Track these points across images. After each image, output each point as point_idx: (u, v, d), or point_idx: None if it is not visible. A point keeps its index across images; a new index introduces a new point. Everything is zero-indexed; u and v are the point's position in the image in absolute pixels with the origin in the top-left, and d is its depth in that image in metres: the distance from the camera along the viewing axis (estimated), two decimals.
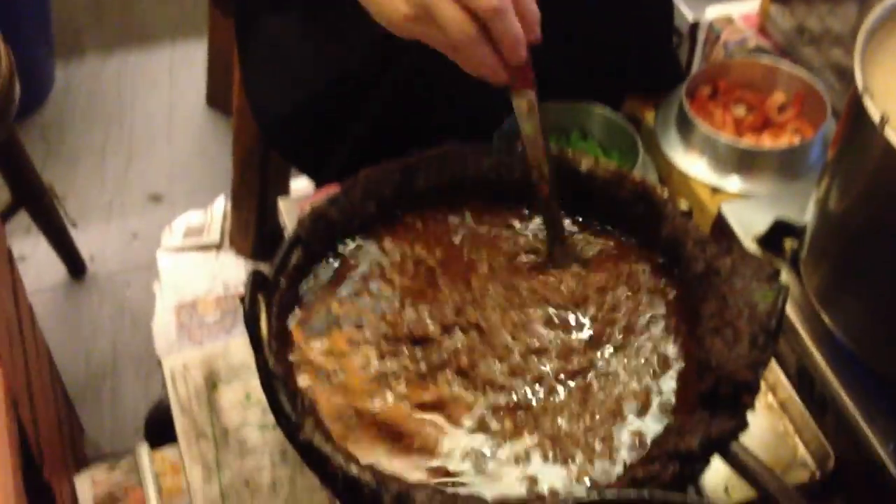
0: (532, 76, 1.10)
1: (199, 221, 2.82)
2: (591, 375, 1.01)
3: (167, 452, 1.50)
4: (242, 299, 0.97)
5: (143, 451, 1.43)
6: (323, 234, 1.09)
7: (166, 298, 2.60)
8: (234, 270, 2.62)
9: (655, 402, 0.98)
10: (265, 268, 1.03)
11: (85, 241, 2.87)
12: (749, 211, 1.34)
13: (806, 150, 1.48)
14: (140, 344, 2.63)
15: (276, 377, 0.94)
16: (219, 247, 2.71)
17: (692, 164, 1.51)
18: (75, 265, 2.84)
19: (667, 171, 1.54)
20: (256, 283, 0.98)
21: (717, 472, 1.09)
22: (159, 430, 1.79)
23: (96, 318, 2.74)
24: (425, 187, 1.15)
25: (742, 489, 1.10)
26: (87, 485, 1.76)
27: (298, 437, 0.91)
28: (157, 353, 2.49)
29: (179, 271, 2.67)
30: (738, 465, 1.00)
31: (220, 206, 2.79)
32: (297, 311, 1.06)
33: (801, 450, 1.19)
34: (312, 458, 0.91)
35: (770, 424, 1.22)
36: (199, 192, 2.94)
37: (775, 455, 1.19)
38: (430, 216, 1.15)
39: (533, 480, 0.93)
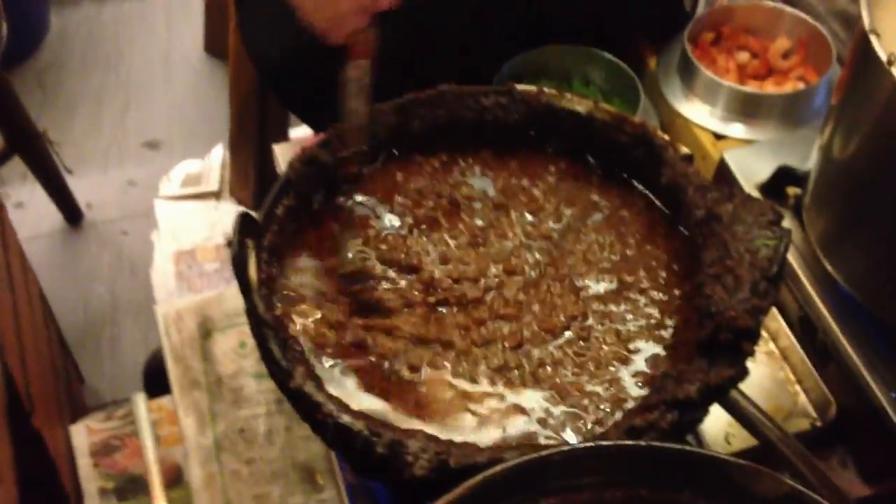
0: (371, 45, 1.10)
1: (197, 169, 2.79)
2: (589, 321, 1.00)
3: (165, 401, 1.50)
4: (230, 243, 0.95)
5: (140, 399, 1.41)
6: (315, 177, 1.07)
7: (164, 247, 2.58)
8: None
9: (653, 349, 0.98)
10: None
11: (82, 188, 2.83)
12: (752, 158, 1.32)
13: (810, 95, 1.45)
14: (139, 292, 2.60)
15: (266, 323, 0.92)
16: (218, 195, 2.68)
17: (694, 110, 1.48)
18: (72, 212, 2.80)
19: (669, 118, 1.52)
20: (244, 225, 0.96)
21: (717, 421, 1.13)
22: (158, 379, 1.75)
23: (94, 266, 2.71)
24: (421, 129, 1.13)
25: (743, 438, 1.09)
26: (82, 434, 1.75)
27: (289, 385, 0.89)
28: (156, 301, 2.46)
29: (178, 220, 2.64)
30: (739, 413, 1.00)
31: (219, 154, 2.76)
32: (290, 256, 1.04)
33: (802, 398, 1.19)
34: (303, 406, 0.89)
35: (771, 373, 1.21)
36: (196, 140, 2.89)
37: (776, 403, 1.18)
38: (428, 158, 1.14)
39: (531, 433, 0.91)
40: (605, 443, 0.77)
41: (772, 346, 1.23)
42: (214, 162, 2.75)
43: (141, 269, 2.60)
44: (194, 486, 1.23)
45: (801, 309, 1.18)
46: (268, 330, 0.92)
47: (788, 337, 1.21)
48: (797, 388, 1.20)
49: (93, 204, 2.86)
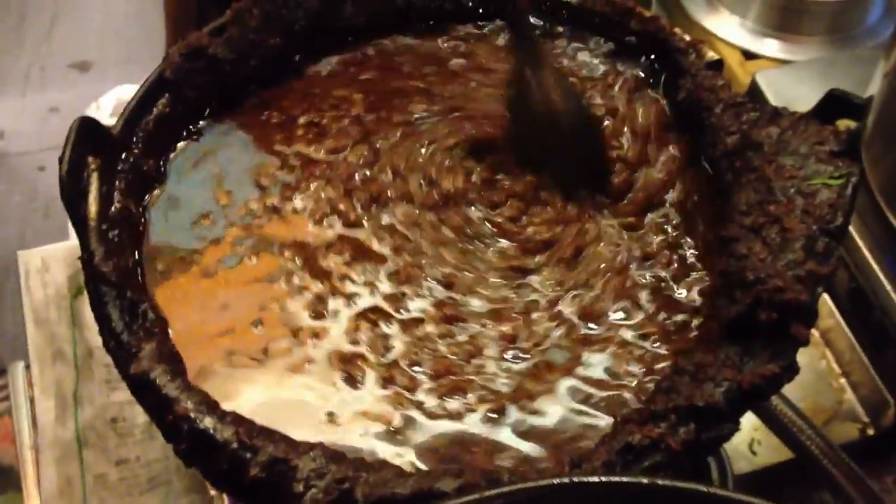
0: None
1: (132, 96, 2.62)
2: (570, 293, 0.80)
3: None
4: (61, 159, 0.75)
5: (19, 371, 1.23)
6: (203, 78, 0.88)
7: None
8: None
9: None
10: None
11: None
12: (790, 82, 1.21)
13: (865, 5, 1.37)
14: (54, 236, 2.42)
15: (104, 277, 0.72)
16: None
17: (720, 22, 1.38)
18: None
19: (687, 31, 1.38)
20: (84, 136, 0.76)
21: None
22: None
23: (3, 203, 2.58)
24: (353, 14, 0.95)
25: (773, 447, 0.99)
26: None
27: (128, 369, 0.68)
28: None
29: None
30: (768, 415, 0.92)
31: None
32: (158, 188, 0.84)
33: (850, 396, 1.08)
34: (148, 401, 0.69)
35: (809, 362, 1.08)
36: (133, 62, 2.78)
37: (815, 402, 1.07)
38: (360, 55, 0.96)
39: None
40: (585, 479, 0.55)
41: None
42: None
43: (57, 212, 2.42)
44: (45, 493, 1.06)
45: (853, 279, 1.08)
46: (105, 287, 0.71)
47: (833, 315, 1.10)
48: (843, 382, 1.09)
49: (6, 132, 2.75)
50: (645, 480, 0.55)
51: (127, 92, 2.62)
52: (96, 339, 0.75)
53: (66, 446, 1.06)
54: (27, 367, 1.20)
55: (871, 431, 1.05)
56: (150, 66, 2.48)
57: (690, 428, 0.66)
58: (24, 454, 1.14)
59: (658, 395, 0.69)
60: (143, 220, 0.81)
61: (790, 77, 1.21)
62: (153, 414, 0.68)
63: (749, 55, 1.33)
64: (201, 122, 0.89)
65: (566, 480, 0.57)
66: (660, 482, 0.55)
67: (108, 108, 2.64)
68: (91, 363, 1.11)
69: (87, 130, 0.77)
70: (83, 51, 2.95)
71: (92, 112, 2.56)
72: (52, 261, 1.19)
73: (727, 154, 0.82)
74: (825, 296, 1.08)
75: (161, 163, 0.85)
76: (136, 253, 0.78)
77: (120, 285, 0.71)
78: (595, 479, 0.56)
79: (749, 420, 0.94)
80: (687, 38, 0.91)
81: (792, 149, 0.78)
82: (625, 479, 0.56)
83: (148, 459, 1.05)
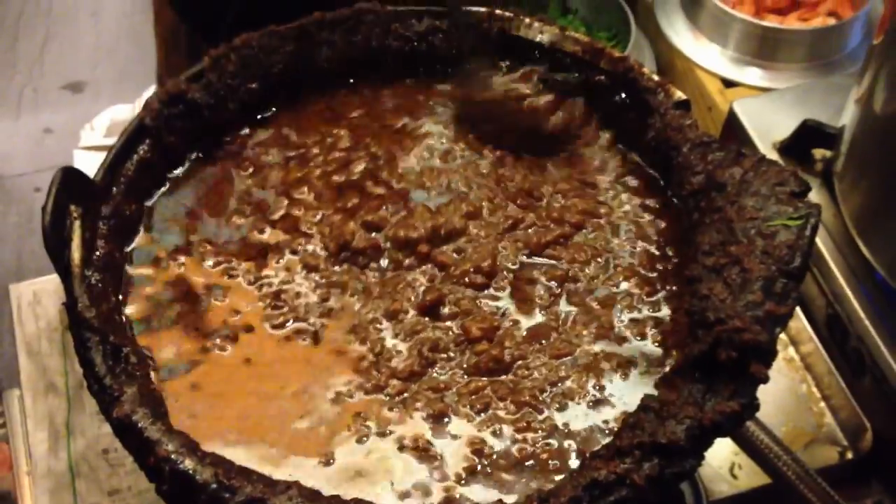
0: None
1: (125, 116, 2.61)
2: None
3: None
4: (44, 209, 0.77)
5: (14, 398, 1.23)
6: (183, 122, 0.90)
7: None
8: None
9: (631, 371, 0.80)
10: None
11: None
12: (769, 109, 1.22)
13: (843, 32, 1.37)
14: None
15: (87, 323, 0.74)
16: None
17: (700, 50, 1.40)
18: None
19: (668, 59, 1.44)
20: (66, 184, 0.77)
21: (720, 447, 1.03)
22: None
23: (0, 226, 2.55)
24: (329, 60, 0.97)
25: (753, 471, 1.01)
26: None
27: (112, 412, 0.71)
28: None
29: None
30: (745, 441, 0.94)
31: None
32: (143, 233, 0.87)
33: (829, 420, 1.10)
34: (131, 442, 0.71)
35: (790, 386, 1.12)
36: (126, 82, 2.71)
37: (795, 426, 1.09)
38: (335, 100, 0.98)
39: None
40: None
41: (791, 351, 1.14)
42: None
43: None
44: None
45: (830, 306, 1.10)
46: (89, 333, 0.73)
47: (812, 340, 1.12)
48: (822, 406, 1.11)
49: (1, 154, 2.70)
50: None
51: (120, 111, 2.62)
52: None
53: (59, 477, 1.06)
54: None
55: (850, 455, 1.06)
56: (143, 85, 2.49)
57: (654, 463, 0.69)
58: (21, 480, 1.15)
59: (624, 432, 0.72)
60: (126, 263, 0.83)
61: (769, 105, 1.22)
62: (136, 456, 0.71)
63: (729, 83, 1.34)
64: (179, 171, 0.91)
65: None
66: None
67: (101, 128, 2.65)
68: (82, 394, 1.12)
69: (68, 180, 0.78)
70: (76, 71, 2.91)
71: (86, 133, 2.57)
72: (43, 294, 1.20)
73: (693, 193, 0.84)
74: (804, 321, 1.11)
75: (144, 208, 0.87)
76: (119, 296, 0.81)
77: (103, 331, 0.74)
78: None
79: (730, 444, 0.97)
80: (656, 77, 0.92)
81: (753, 189, 0.79)
82: None
83: (140, 489, 1.06)
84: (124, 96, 2.60)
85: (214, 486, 0.67)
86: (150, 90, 2.56)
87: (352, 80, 0.99)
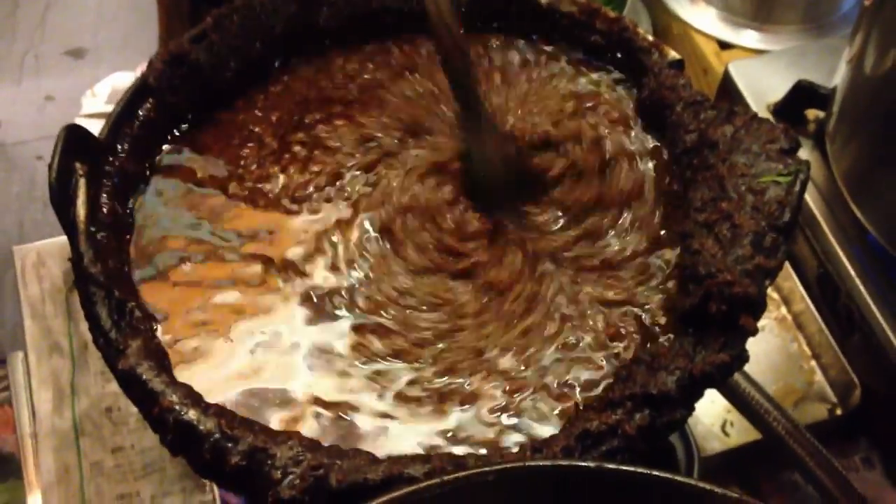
0: None
1: (127, 83, 2.59)
2: (536, 287, 0.82)
3: None
4: (50, 167, 0.77)
5: (18, 361, 1.23)
6: (185, 83, 0.90)
7: None
8: None
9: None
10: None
11: None
12: (763, 71, 1.22)
13: None
14: (52, 226, 2.41)
15: (92, 278, 0.75)
16: None
17: (696, 12, 1.39)
18: None
19: (664, 22, 1.43)
20: (71, 142, 0.78)
21: (712, 405, 1.06)
22: None
23: (2, 194, 2.54)
24: (331, 20, 0.97)
25: (745, 428, 1.02)
26: None
27: (117, 364, 0.71)
28: None
29: None
30: (737, 397, 0.95)
31: None
32: (145, 188, 0.87)
33: (819, 378, 1.10)
34: (136, 394, 0.72)
35: (781, 344, 1.12)
36: (128, 48, 2.74)
37: (786, 384, 1.10)
38: (337, 61, 0.97)
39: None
40: (540, 463, 0.59)
41: (783, 310, 1.14)
42: None
43: None
44: (44, 481, 1.07)
45: (821, 265, 1.10)
46: (94, 287, 0.74)
47: (804, 299, 1.12)
48: (813, 364, 1.11)
49: (3, 122, 2.69)
50: (592, 465, 0.59)
51: (122, 79, 2.62)
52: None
53: (63, 435, 1.07)
54: (26, 354, 1.23)
55: (839, 411, 1.07)
56: (146, 52, 2.48)
57: (645, 414, 0.69)
58: (25, 442, 1.15)
59: (616, 384, 0.73)
60: (130, 220, 0.84)
61: (762, 67, 1.22)
62: (141, 407, 0.71)
63: (724, 45, 1.33)
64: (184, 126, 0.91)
65: (524, 464, 0.61)
66: (606, 466, 0.59)
67: (103, 95, 2.64)
68: (86, 355, 1.13)
69: (74, 137, 0.79)
70: (77, 38, 2.89)
71: (88, 99, 2.56)
72: (47, 256, 1.20)
73: (686, 151, 0.84)
74: (796, 279, 1.11)
75: (146, 166, 0.87)
76: (124, 253, 0.82)
77: (108, 286, 0.74)
78: (548, 463, 0.61)
79: (722, 402, 0.98)
80: (650, 38, 0.91)
81: (744, 147, 0.80)
82: (574, 463, 0.60)
83: (142, 447, 1.07)
84: (126, 63, 2.58)
85: (217, 435, 0.68)
86: None
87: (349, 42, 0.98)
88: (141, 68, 2.57)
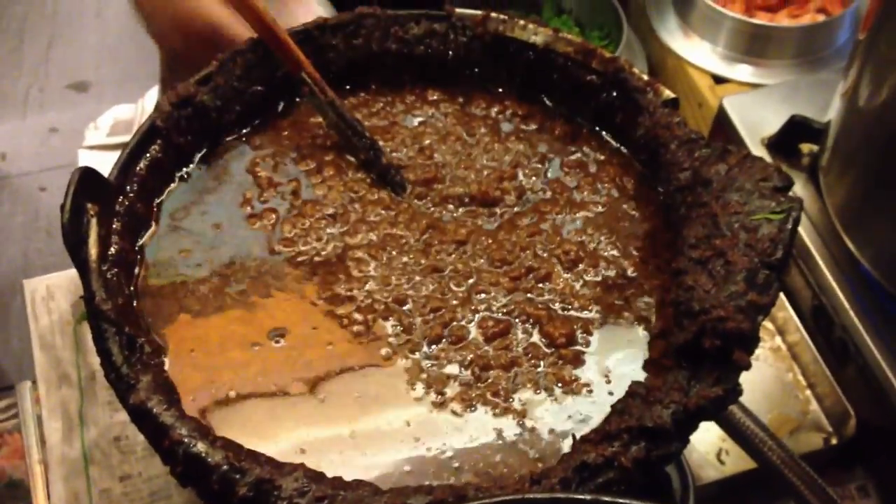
0: None
1: (129, 115, 2.63)
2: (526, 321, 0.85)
3: None
4: (62, 208, 0.79)
5: (27, 390, 1.26)
6: (191, 124, 0.92)
7: None
8: None
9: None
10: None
11: None
12: (758, 106, 1.23)
13: (832, 28, 1.38)
14: (56, 256, 2.44)
15: (104, 315, 0.76)
16: None
17: (691, 47, 1.41)
18: None
19: (660, 57, 1.45)
20: (84, 184, 0.80)
21: (707, 434, 1.06)
22: None
23: (6, 225, 2.58)
24: (331, 62, 0.99)
25: (739, 456, 1.01)
26: None
27: (128, 399, 0.73)
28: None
29: (104, 173, 2.50)
30: (732, 427, 0.95)
31: (154, 97, 2.61)
32: (154, 228, 0.89)
33: (815, 407, 1.11)
34: (147, 428, 0.74)
35: (776, 374, 1.13)
36: (130, 82, 2.75)
37: (781, 413, 1.10)
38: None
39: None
40: (538, 495, 0.60)
41: (778, 340, 1.15)
42: (148, 106, 2.59)
43: (59, 231, 2.43)
44: None
45: (816, 297, 1.11)
46: (106, 324, 0.76)
47: (799, 330, 1.13)
48: (808, 394, 1.12)
49: (8, 154, 2.73)
50: (588, 497, 0.61)
51: (124, 111, 2.64)
52: (99, 363, 0.81)
53: (72, 464, 1.09)
54: (34, 382, 1.23)
55: (834, 441, 1.07)
56: (146, 85, 2.51)
57: (641, 447, 0.71)
58: (34, 469, 1.17)
59: (612, 417, 0.74)
60: (138, 258, 0.86)
61: (758, 101, 1.22)
62: (151, 440, 0.73)
63: (719, 80, 1.35)
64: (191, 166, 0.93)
65: (522, 497, 0.63)
66: (603, 498, 0.61)
67: (105, 127, 2.66)
68: (94, 386, 1.15)
69: (86, 179, 0.81)
70: (80, 72, 2.93)
71: (90, 132, 2.59)
72: (56, 289, 1.22)
73: (680, 189, 0.86)
74: (791, 311, 1.12)
75: (154, 205, 0.89)
76: (132, 288, 0.84)
77: (119, 322, 0.76)
78: (546, 495, 0.62)
79: (717, 430, 0.98)
80: (645, 77, 0.93)
81: (738, 185, 0.80)
82: (572, 495, 0.62)
83: (150, 475, 1.09)
84: (127, 96, 2.62)
85: (225, 467, 0.70)
86: (153, 90, 2.57)
87: (348, 87, 1.00)
88: (142, 100, 2.58)
